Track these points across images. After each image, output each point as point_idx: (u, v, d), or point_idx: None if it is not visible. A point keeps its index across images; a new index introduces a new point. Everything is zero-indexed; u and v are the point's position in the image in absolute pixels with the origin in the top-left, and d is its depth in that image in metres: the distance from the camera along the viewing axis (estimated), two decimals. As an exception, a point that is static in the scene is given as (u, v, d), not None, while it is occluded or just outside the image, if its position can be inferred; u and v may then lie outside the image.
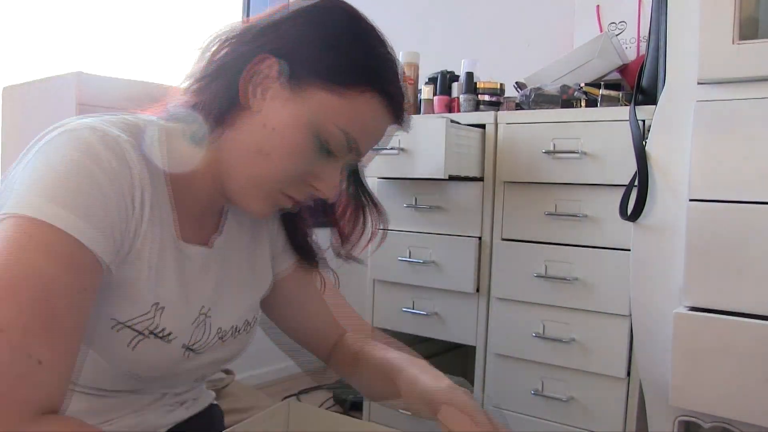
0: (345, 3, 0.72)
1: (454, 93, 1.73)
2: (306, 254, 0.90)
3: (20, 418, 0.50)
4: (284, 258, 0.90)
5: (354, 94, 0.67)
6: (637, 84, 1.38)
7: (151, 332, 0.68)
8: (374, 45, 0.70)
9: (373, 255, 1.76)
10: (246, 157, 0.68)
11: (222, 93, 0.67)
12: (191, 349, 0.73)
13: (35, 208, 0.56)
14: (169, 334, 0.69)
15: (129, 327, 0.66)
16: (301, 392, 2.27)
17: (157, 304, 0.68)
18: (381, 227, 0.87)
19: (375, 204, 0.85)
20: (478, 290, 1.59)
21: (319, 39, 0.68)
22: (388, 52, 0.71)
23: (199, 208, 0.74)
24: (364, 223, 0.85)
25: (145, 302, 0.67)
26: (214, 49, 0.69)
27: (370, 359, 0.85)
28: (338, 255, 0.87)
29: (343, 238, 0.85)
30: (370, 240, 0.87)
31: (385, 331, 1.82)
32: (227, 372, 1.02)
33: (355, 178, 0.83)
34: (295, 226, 0.89)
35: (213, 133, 0.68)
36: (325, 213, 0.86)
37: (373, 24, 0.73)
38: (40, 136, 0.63)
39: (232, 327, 0.80)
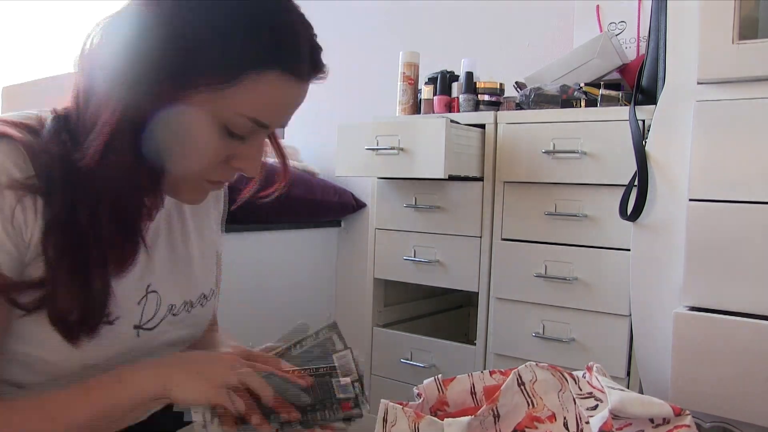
0: None
1: (454, 93, 1.73)
2: None
3: None
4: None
5: (251, 81, 0.62)
6: (636, 84, 1.38)
7: None
8: (265, 19, 0.63)
9: (375, 254, 1.75)
10: (164, 159, 0.65)
11: (113, 109, 0.63)
12: (142, 328, 0.72)
13: None
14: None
15: None
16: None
17: None
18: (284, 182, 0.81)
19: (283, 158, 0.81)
20: (477, 290, 1.59)
21: (201, 33, 0.61)
22: (286, 19, 0.64)
23: None
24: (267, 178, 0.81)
25: None
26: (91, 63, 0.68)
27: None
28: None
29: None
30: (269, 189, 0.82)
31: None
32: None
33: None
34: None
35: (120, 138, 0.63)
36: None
37: None
38: None
39: (185, 302, 0.79)
